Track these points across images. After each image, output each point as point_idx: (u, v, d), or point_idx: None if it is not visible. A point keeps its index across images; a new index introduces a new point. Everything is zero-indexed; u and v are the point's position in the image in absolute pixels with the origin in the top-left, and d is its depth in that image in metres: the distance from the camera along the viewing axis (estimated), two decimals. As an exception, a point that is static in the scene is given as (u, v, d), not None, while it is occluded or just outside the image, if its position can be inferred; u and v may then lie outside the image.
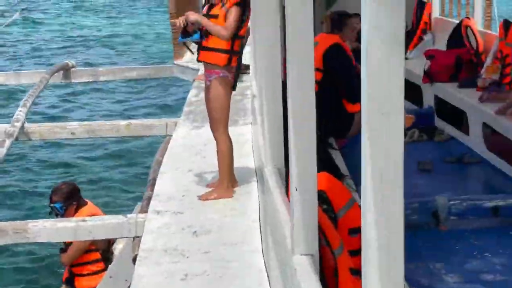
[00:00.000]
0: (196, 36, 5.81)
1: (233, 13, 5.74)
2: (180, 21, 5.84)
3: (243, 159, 6.66)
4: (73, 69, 13.82)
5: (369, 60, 1.69)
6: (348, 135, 7.75)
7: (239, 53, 5.92)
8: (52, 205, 7.51)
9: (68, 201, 7.50)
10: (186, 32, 5.86)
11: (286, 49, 3.11)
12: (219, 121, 5.98)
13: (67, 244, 7.51)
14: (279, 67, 4.57)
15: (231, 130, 6.20)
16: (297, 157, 3.12)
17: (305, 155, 3.08)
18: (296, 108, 3.06)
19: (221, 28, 5.70)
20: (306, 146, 3.07)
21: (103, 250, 7.67)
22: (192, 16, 5.79)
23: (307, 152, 3.08)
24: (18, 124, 9.50)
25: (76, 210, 7.49)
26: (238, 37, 5.86)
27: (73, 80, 14.10)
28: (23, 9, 15.66)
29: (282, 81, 4.62)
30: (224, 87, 5.90)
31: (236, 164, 6.08)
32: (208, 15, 5.87)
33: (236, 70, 5.97)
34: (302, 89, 3.00)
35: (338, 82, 7.50)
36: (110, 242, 7.76)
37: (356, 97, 7.50)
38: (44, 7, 34.27)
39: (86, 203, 7.72)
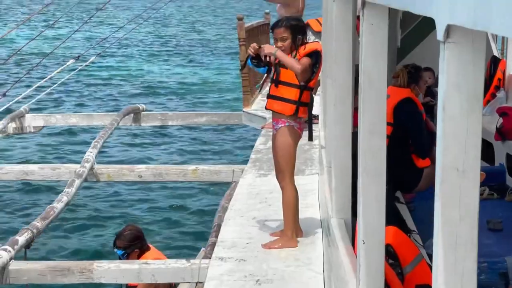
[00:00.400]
0: (263, 70, 5.88)
1: (305, 60, 5.78)
2: (250, 49, 5.92)
3: (309, 209, 6.63)
4: (143, 112, 14.06)
5: (447, 116, 1.67)
6: (416, 189, 7.64)
7: (308, 105, 5.93)
8: (115, 250, 7.58)
9: (131, 247, 7.54)
10: (255, 60, 5.92)
11: (358, 101, 3.09)
12: (285, 170, 5.97)
13: (130, 287, 7.54)
14: (349, 117, 4.55)
15: (298, 180, 6.18)
16: (365, 210, 3.09)
17: (374, 208, 3.05)
18: (366, 160, 3.03)
19: (295, 62, 5.72)
20: (375, 199, 3.04)
21: None
22: (268, 49, 5.84)
23: (376, 205, 3.04)
24: (88, 165, 9.66)
25: (139, 256, 7.51)
26: (307, 88, 5.88)
27: (142, 124, 14.34)
28: (98, 54, 16.00)
29: (352, 132, 4.60)
30: (290, 136, 5.91)
31: (301, 214, 6.05)
32: (278, 64, 5.92)
33: (310, 121, 5.98)
34: (373, 142, 2.98)
35: (409, 136, 7.42)
36: (171, 286, 7.77)
37: (426, 152, 7.41)
38: (119, 52, 35.06)
39: (149, 248, 7.74)
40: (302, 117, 5.94)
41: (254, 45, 5.94)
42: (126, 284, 7.42)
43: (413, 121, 7.33)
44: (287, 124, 5.89)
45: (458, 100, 1.65)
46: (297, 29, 5.86)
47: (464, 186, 1.69)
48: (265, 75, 5.93)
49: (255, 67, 6.04)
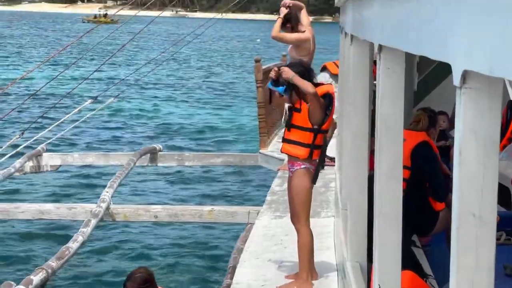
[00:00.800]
0: (281, 89, 5.95)
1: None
2: (272, 73, 5.98)
3: (324, 252, 6.60)
4: (160, 152, 14.12)
5: (463, 161, 1.67)
6: (431, 233, 7.59)
7: (321, 147, 5.94)
8: None
9: None
10: (276, 82, 6.00)
11: (375, 145, 3.10)
12: (300, 213, 5.97)
13: None
14: (366, 161, 4.55)
15: (313, 222, 6.17)
16: (381, 254, 3.07)
17: (390, 252, 3.03)
18: (383, 203, 3.03)
19: (310, 86, 5.75)
20: (391, 243, 3.02)
21: None
22: (286, 74, 5.88)
23: (392, 249, 3.03)
24: (104, 205, 9.70)
25: None
26: (321, 131, 5.90)
27: (159, 164, 14.39)
28: (116, 96, 16.13)
29: (368, 175, 4.59)
30: (306, 179, 5.91)
31: (316, 256, 6.02)
32: (292, 108, 5.96)
33: (318, 164, 5.98)
34: (390, 185, 2.98)
35: (426, 179, 7.39)
36: None
37: (443, 196, 7.37)
38: (136, 93, 35.31)
39: None
40: (317, 159, 5.95)
41: (276, 69, 6.03)
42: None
43: (430, 165, 7.30)
44: (302, 166, 5.91)
45: (474, 145, 1.65)
46: (302, 75, 5.92)
47: (480, 232, 1.69)
48: (283, 95, 6.01)
49: (274, 87, 6.11)
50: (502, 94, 1.69)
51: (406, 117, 9.17)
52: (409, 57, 2.90)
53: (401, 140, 3.03)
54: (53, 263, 6.91)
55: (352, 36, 4.51)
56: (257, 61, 12.80)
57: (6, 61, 51.33)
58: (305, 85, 5.78)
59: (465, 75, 1.65)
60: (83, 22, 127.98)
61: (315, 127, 5.85)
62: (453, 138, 6.72)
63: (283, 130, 6.42)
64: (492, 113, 1.64)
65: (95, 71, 17.07)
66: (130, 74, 19.44)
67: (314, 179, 6.00)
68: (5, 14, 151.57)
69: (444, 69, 10.76)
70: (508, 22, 1.36)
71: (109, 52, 47.67)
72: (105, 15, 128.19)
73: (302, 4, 8.76)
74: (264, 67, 13.23)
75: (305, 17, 8.95)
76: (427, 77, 11.38)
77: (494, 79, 1.58)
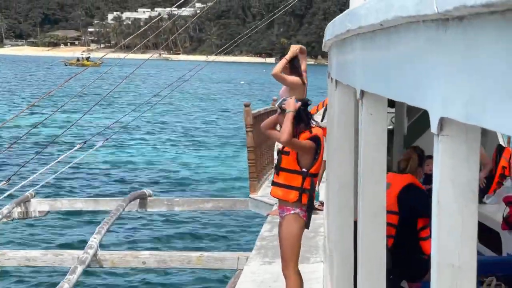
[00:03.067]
0: None
1: (305, 142, 5.81)
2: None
3: (313, 298, 6.52)
4: (149, 198, 14.04)
5: (441, 210, 1.64)
6: (422, 279, 7.51)
7: (310, 191, 5.90)
8: None
9: None
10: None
11: (358, 190, 3.07)
12: (289, 259, 5.91)
13: None
14: (351, 207, 4.51)
15: (302, 267, 6.10)
16: (366, 303, 3.01)
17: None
18: (366, 250, 2.98)
19: (286, 133, 5.82)
20: (376, 289, 2.97)
21: None
22: (287, 106, 5.96)
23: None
24: (91, 251, 9.60)
25: None
26: (309, 175, 5.87)
27: (148, 209, 14.30)
28: (106, 139, 16.12)
29: (354, 221, 4.54)
30: (296, 225, 5.86)
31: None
32: (280, 152, 5.95)
33: (308, 208, 5.94)
34: (373, 232, 2.93)
35: (425, 217, 7.29)
36: None
37: None
38: (126, 138, 35.31)
39: None
40: (305, 204, 5.90)
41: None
42: None
43: (420, 204, 7.20)
44: (292, 212, 5.87)
45: (452, 194, 1.62)
46: (299, 119, 5.93)
47: (460, 283, 1.64)
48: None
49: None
50: (479, 142, 1.66)
51: (397, 161, 9.09)
52: (398, 102, 2.88)
53: (384, 185, 2.99)
54: (37, 311, 6.80)
55: (336, 81, 4.50)
56: (246, 105, 12.82)
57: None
58: (283, 130, 5.80)
59: (442, 123, 1.62)
60: (65, 66, 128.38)
61: (304, 170, 5.82)
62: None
63: (273, 175, 6.40)
64: (470, 161, 1.61)
65: (85, 114, 17.06)
66: (121, 117, 19.44)
67: (307, 224, 5.95)
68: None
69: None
70: (484, 70, 1.34)
71: (96, 96, 47.84)
72: (87, 58, 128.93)
73: (305, 48, 8.78)
74: (254, 111, 13.24)
75: (304, 62, 8.99)
76: (417, 121, 11.39)
77: (471, 126, 1.55)
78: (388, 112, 3.25)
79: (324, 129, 6.52)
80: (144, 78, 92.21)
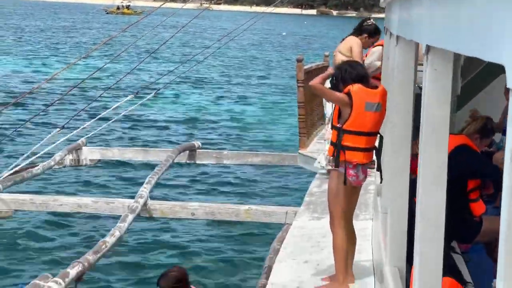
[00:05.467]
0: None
1: (338, 94, 5.83)
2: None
3: (362, 255, 6.51)
4: (198, 150, 14.11)
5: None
6: (473, 241, 7.44)
7: (345, 148, 5.77)
8: None
9: None
10: None
11: (419, 149, 3.02)
12: (335, 215, 5.91)
13: None
14: (407, 165, 4.47)
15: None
16: (422, 260, 3.00)
17: (431, 259, 2.96)
18: (426, 209, 2.95)
19: (317, 79, 5.98)
20: (433, 250, 2.95)
21: None
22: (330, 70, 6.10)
23: (434, 256, 2.95)
24: (141, 201, 9.70)
25: None
26: (346, 132, 5.74)
27: (197, 161, 14.38)
28: (157, 90, 16.18)
29: (410, 179, 4.50)
30: (337, 181, 5.84)
31: (353, 259, 5.94)
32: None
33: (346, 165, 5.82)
34: (434, 191, 2.90)
35: (476, 177, 7.17)
36: None
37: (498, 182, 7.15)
38: (177, 88, 35.42)
39: None
40: (350, 161, 5.76)
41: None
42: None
43: (474, 164, 7.07)
44: (337, 169, 5.84)
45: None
46: (334, 77, 5.97)
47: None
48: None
49: None
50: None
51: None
52: (454, 60, 2.81)
53: (446, 144, 2.95)
54: (89, 256, 6.92)
55: (397, 37, 4.42)
56: (299, 60, 12.70)
57: (37, 54, 51.36)
58: (317, 78, 5.93)
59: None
60: (106, 13, 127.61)
61: (338, 125, 5.79)
62: (497, 143, 6.57)
63: (323, 131, 6.38)
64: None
65: (138, 64, 17.16)
66: (175, 68, 19.46)
67: (344, 180, 5.86)
68: (25, 4, 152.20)
69: (489, 74, 10.57)
70: None
71: (143, 46, 47.99)
72: (128, 7, 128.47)
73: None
74: (306, 66, 13.14)
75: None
76: (471, 82, 11.18)
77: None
78: None
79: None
80: (188, 29, 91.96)
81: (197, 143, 14.46)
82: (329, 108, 9.98)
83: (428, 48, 2.88)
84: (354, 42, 10.15)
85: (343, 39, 10.50)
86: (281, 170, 18.48)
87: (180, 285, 7.61)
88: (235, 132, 25.73)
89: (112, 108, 13.81)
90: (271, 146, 23.06)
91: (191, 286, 7.83)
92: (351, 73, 5.89)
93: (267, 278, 6.32)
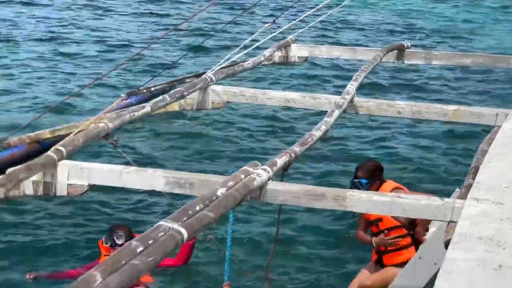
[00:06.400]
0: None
1: None
2: None
3: None
4: (407, 50, 13.86)
5: None
6: None
7: None
8: (356, 180, 7.82)
9: (372, 178, 7.80)
10: None
11: None
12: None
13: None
14: None
15: None
16: None
17: None
18: None
19: None
20: None
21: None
22: None
23: None
24: (348, 97, 9.71)
25: (377, 188, 7.71)
26: None
27: (405, 61, 14.13)
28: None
29: None
30: None
31: None
32: None
33: None
34: None
35: None
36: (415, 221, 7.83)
37: None
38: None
39: (386, 182, 7.96)
40: None
41: None
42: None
43: None
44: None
45: None
46: None
47: None
48: None
49: None
50: None
51: None
52: None
53: None
54: (296, 148, 7.08)
55: None
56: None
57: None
58: None
59: None
60: None
61: None
62: None
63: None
64: None
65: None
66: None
67: None
68: None
69: None
70: None
71: None
72: None
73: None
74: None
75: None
76: None
77: None
78: None
79: None
80: None
81: (406, 43, 14.15)
82: None
83: None
84: None
85: None
86: (493, 71, 17.87)
87: (377, 176, 7.89)
88: (446, 33, 25.01)
89: (322, 5, 13.83)
90: (484, 48, 22.24)
91: (385, 179, 7.95)
92: None
93: (473, 178, 6.21)
